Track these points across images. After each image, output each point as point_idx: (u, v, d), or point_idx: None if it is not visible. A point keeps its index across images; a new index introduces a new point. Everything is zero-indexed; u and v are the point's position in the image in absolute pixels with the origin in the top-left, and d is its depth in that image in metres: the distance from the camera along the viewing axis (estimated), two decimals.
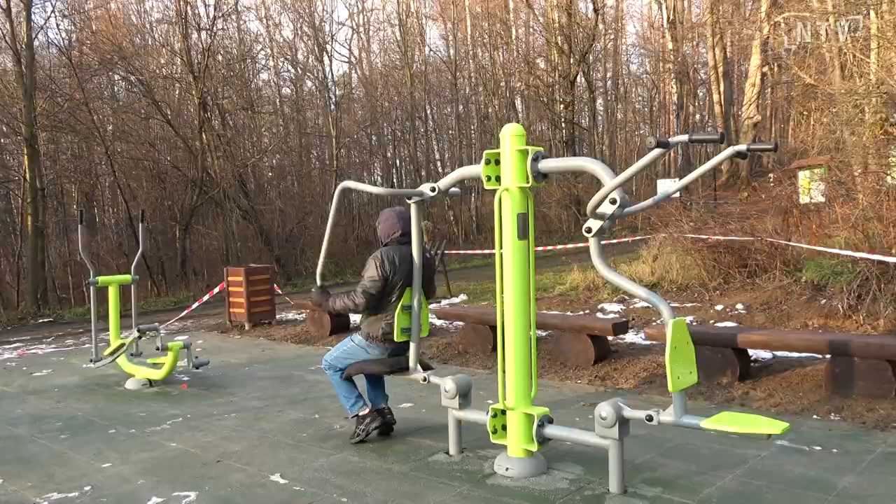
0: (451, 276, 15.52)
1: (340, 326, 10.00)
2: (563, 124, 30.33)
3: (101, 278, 7.69)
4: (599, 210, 3.74)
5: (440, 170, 32.03)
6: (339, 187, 4.80)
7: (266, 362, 8.47)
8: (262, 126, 27.55)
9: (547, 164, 3.97)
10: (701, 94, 36.42)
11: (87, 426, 5.89)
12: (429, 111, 34.10)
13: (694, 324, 8.21)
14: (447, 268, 14.27)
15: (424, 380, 4.78)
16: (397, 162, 35.64)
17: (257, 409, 6.22)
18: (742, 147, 3.51)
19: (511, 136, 4.04)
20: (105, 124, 22.57)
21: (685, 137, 3.35)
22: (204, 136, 22.25)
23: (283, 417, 5.88)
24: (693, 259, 10.25)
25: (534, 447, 4.11)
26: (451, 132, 36.22)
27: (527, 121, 34.08)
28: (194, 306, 13.32)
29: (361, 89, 35.06)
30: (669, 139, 3.33)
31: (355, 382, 5.10)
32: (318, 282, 5.13)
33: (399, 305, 4.79)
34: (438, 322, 9.93)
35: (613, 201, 3.69)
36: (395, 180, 33.57)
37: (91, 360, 7.73)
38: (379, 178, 34.76)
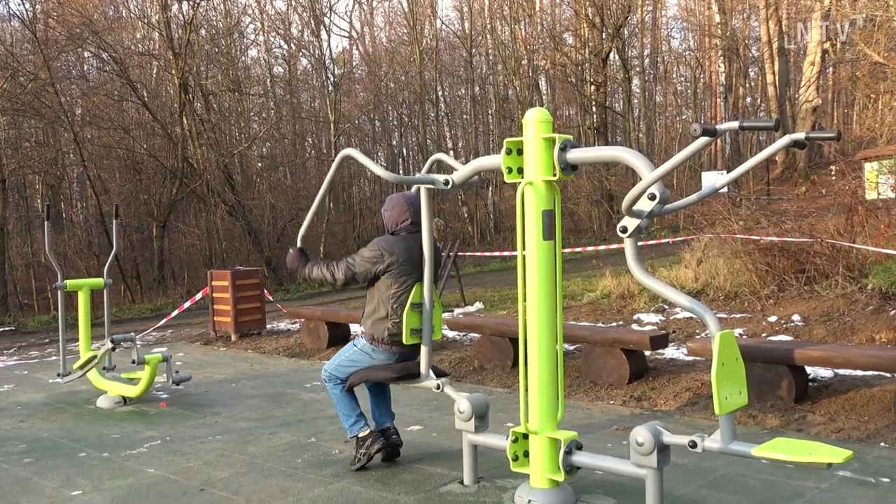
0: (466, 281, 15.54)
1: (339, 338, 10.04)
2: (594, 109, 30.30)
3: (69, 282, 7.75)
4: (636, 207, 3.74)
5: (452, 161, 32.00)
6: (341, 154, 4.83)
7: (255, 378, 8.52)
8: (250, 110, 27.70)
9: (576, 154, 3.97)
10: (752, 74, 36.29)
11: (54, 449, 5.94)
12: (440, 93, 34.18)
13: (744, 337, 8.18)
14: (460, 272, 14.29)
15: (438, 387, 4.80)
16: (404, 151, 35.74)
17: (245, 431, 6.26)
18: (800, 135, 3.51)
19: (535, 123, 4.05)
20: (73, 107, 22.77)
21: (735, 124, 3.34)
22: (185, 121, 22.39)
23: (274, 441, 5.91)
24: (743, 263, 10.21)
25: (560, 476, 4.12)
26: (465, 117, 36.27)
27: (552, 104, 34.07)
28: (174, 314, 13.41)
29: (364, 68, 35.19)
30: (717, 126, 3.33)
31: (357, 400, 5.12)
32: (299, 242, 5.19)
33: (408, 303, 4.82)
34: (451, 334, 9.95)
35: (652, 197, 3.68)
36: (401, 171, 33.65)
37: (58, 375, 7.80)
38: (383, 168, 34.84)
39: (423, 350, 4.86)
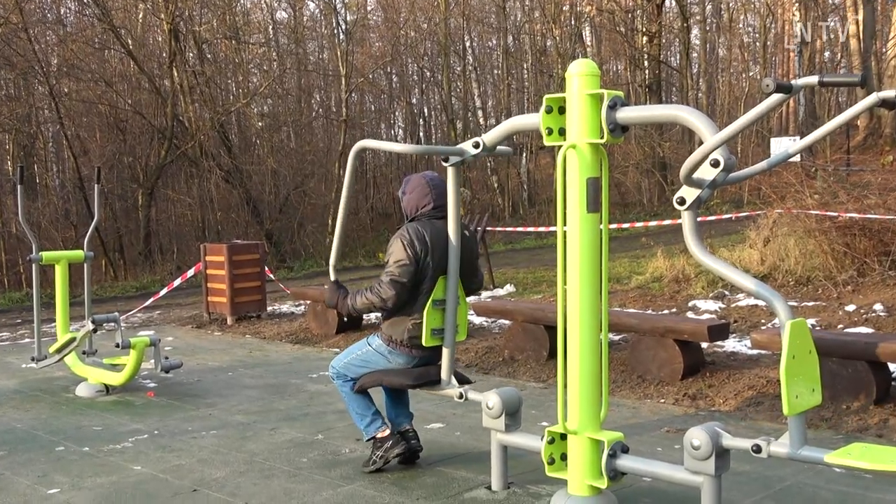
0: (495, 260, 15.56)
1: (349, 322, 10.10)
2: (647, 63, 30.04)
3: (45, 254, 7.84)
4: (696, 175, 3.72)
5: (482, 121, 31.98)
6: (355, 149, 4.83)
7: (254, 366, 8.61)
8: (249, 62, 27.74)
9: (628, 114, 3.95)
10: (832, 23, 35.75)
11: (29, 442, 6.05)
12: (468, 44, 34.00)
13: (817, 328, 8.14)
14: (489, 250, 14.30)
15: (461, 396, 4.83)
16: (425, 111, 35.67)
17: (244, 425, 6.33)
18: (890, 93, 3.46)
19: (580, 77, 4.03)
20: (49, 56, 22.91)
21: (814, 79, 3.31)
22: (175, 73, 22.47)
23: (276, 437, 5.98)
24: (817, 243, 10.14)
25: (603, 483, 4.13)
26: (496, 72, 36.09)
27: (598, 58, 33.82)
28: (163, 293, 13.55)
29: (380, 14, 35.06)
30: (793, 82, 3.30)
31: (371, 396, 5.16)
32: (332, 275, 5.18)
33: (430, 300, 4.83)
34: (478, 320, 9.98)
35: (715, 163, 3.66)
36: (421, 135, 33.64)
37: (33, 359, 7.91)
38: (401, 131, 34.83)
39: (445, 353, 4.89)
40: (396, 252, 4.79)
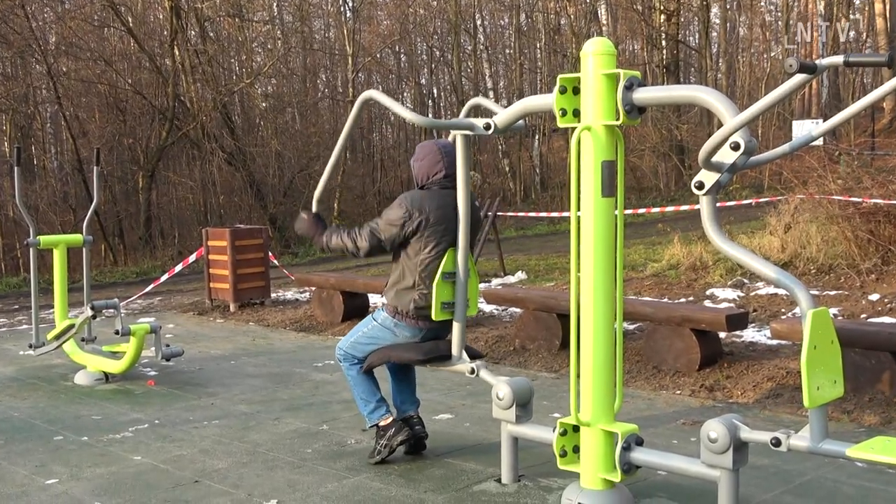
0: (506, 246, 15.55)
1: (356, 310, 10.12)
2: (665, 43, 29.90)
3: (43, 238, 7.87)
4: (715, 158, 3.71)
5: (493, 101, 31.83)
6: (362, 97, 4.83)
7: (258, 355, 8.63)
8: (253, 40, 27.70)
9: (645, 94, 3.93)
10: (857, 2, 35.52)
11: (26, 431, 6.08)
12: (479, 22, 33.90)
13: (840, 318, 8.12)
14: (500, 236, 14.29)
15: (472, 371, 4.82)
16: (434, 91, 35.60)
17: (247, 415, 6.36)
18: None
19: (596, 56, 4.01)
20: (47, 34, 22.92)
21: (839, 59, 3.29)
22: (177, 52, 22.46)
23: (280, 427, 6.00)
24: (840, 230, 10.10)
25: (616, 476, 4.14)
26: (508, 52, 35.97)
27: (614, 37, 33.66)
28: (163, 279, 13.59)
29: None
30: (817, 62, 3.28)
31: (377, 382, 5.17)
32: (315, 206, 5.24)
33: (439, 272, 4.83)
34: (488, 308, 9.99)
35: (736, 146, 3.65)
36: (430, 116, 33.55)
37: (30, 346, 7.96)
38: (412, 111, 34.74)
39: (456, 327, 4.88)
40: (392, 212, 4.89)
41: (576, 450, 4.31)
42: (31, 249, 7.87)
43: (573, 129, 4.11)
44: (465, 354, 4.89)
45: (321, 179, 5.23)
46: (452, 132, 5.00)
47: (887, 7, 30.80)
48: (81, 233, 8.09)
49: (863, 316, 8.28)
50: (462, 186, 4.74)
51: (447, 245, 4.85)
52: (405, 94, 34.33)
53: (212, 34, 25.04)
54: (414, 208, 4.82)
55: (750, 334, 7.95)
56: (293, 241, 21.58)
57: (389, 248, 4.94)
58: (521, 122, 4.67)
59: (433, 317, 4.83)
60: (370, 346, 5.06)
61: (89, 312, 7.27)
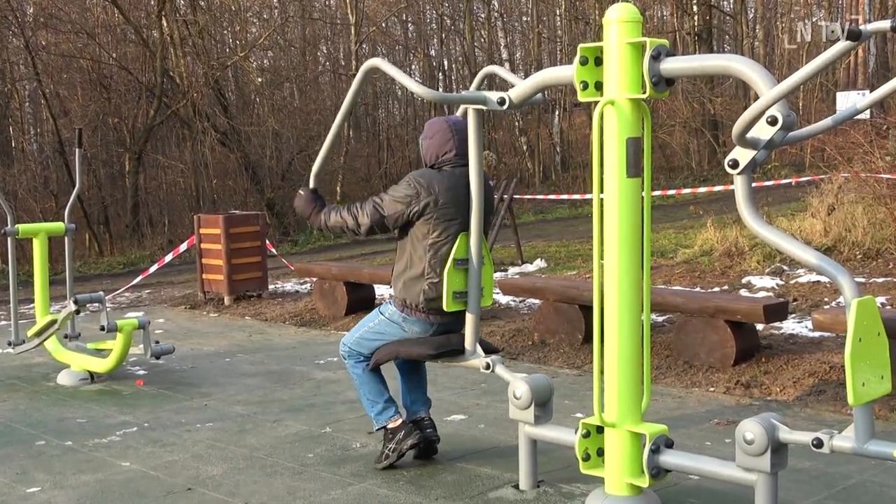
0: (524, 232, 15.53)
1: (361, 302, 10.12)
2: (696, 8, 29.74)
3: (21, 226, 7.89)
4: (751, 134, 3.69)
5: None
6: (365, 66, 4.82)
7: (255, 352, 8.66)
8: (248, 9, 27.69)
9: (673, 65, 3.92)
10: None
11: (6, 436, 6.11)
12: None
13: (887, 307, 8.09)
14: (517, 221, 14.28)
15: (487, 367, 4.82)
16: (445, 63, 35.56)
17: (243, 417, 6.38)
18: None
19: (619, 23, 4.00)
20: (24, 5, 22.96)
21: (886, 24, 3.27)
22: (165, 22, 22.49)
23: (279, 430, 6.01)
24: (889, 211, 10.06)
25: (644, 481, 4.14)
26: (525, 20, 35.88)
27: (640, 2, 33.50)
28: (152, 270, 13.64)
29: None
30: (862, 27, 3.26)
31: (385, 381, 5.18)
32: (312, 182, 5.24)
33: (450, 259, 4.83)
34: (504, 299, 9.98)
35: (773, 121, 3.63)
36: (441, 90, 33.53)
37: (9, 344, 7.99)
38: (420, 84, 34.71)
39: (469, 319, 4.88)
40: (398, 188, 4.90)
41: (600, 453, 4.30)
42: (8, 239, 7.89)
43: (595, 103, 4.10)
44: (479, 349, 4.88)
45: (320, 154, 5.22)
46: (463, 106, 4.99)
47: None
48: (63, 220, 8.10)
49: None
50: (475, 165, 4.73)
51: (458, 229, 4.84)
52: (413, 67, 34.31)
53: (203, 3, 25.02)
54: (422, 187, 4.82)
55: (790, 326, 7.92)
56: (292, 227, 21.61)
57: (392, 226, 4.93)
58: (539, 95, 4.66)
59: (444, 307, 4.82)
60: (376, 342, 5.06)
61: (73, 307, 7.29)
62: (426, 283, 4.87)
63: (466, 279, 4.84)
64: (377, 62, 4.81)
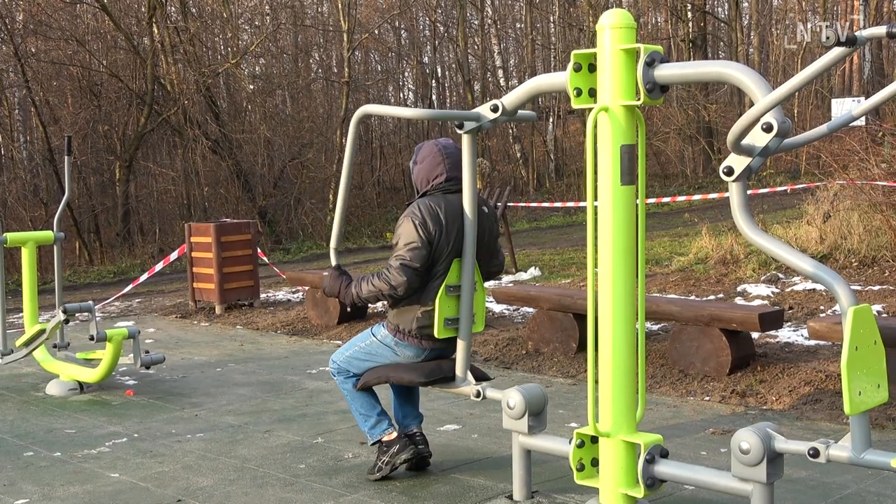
0: (518, 240, 15.55)
1: (353, 312, 10.11)
2: (691, 14, 29.85)
3: (9, 235, 7.87)
4: (746, 141, 3.70)
5: (502, 82, 31.92)
6: (356, 116, 4.82)
7: (246, 361, 8.64)
8: (239, 16, 27.70)
9: (668, 71, 3.93)
10: None
11: None
12: None
13: (884, 316, 8.10)
14: (511, 228, 14.29)
15: (478, 395, 4.83)
16: (438, 71, 35.58)
17: (234, 427, 6.36)
18: None
19: (613, 29, 4.00)
20: (13, 11, 22.95)
21: (882, 29, 3.28)
22: (155, 29, 22.48)
23: (270, 441, 6.00)
24: (885, 219, 10.08)
25: (639, 492, 4.13)
26: (518, 26, 35.95)
27: (635, 9, 33.62)
28: (143, 279, 13.60)
29: None
30: (857, 33, 3.26)
31: (377, 394, 5.17)
32: (334, 259, 5.20)
33: (442, 285, 4.82)
34: (498, 308, 9.98)
35: (768, 127, 3.63)
36: (433, 98, 33.57)
37: None
38: (411, 94, 34.78)
39: (460, 346, 4.89)
40: (407, 233, 4.78)
41: (594, 463, 4.30)
42: None
43: (589, 110, 4.11)
44: (469, 375, 4.89)
45: (334, 226, 5.16)
46: (452, 125, 4.98)
47: None
48: (52, 229, 8.09)
49: None
50: (468, 190, 4.72)
51: (453, 256, 4.83)
52: (406, 74, 34.35)
53: (194, 10, 25.04)
54: (429, 220, 4.76)
55: (785, 334, 7.93)
56: (284, 236, 21.60)
57: (424, 271, 4.80)
58: (531, 112, 4.67)
59: (436, 334, 4.83)
60: (367, 364, 5.06)
61: (62, 316, 7.28)
62: (420, 311, 4.87)
63: (458, 306, 4.84)
64: (367, 109, 4.86)
